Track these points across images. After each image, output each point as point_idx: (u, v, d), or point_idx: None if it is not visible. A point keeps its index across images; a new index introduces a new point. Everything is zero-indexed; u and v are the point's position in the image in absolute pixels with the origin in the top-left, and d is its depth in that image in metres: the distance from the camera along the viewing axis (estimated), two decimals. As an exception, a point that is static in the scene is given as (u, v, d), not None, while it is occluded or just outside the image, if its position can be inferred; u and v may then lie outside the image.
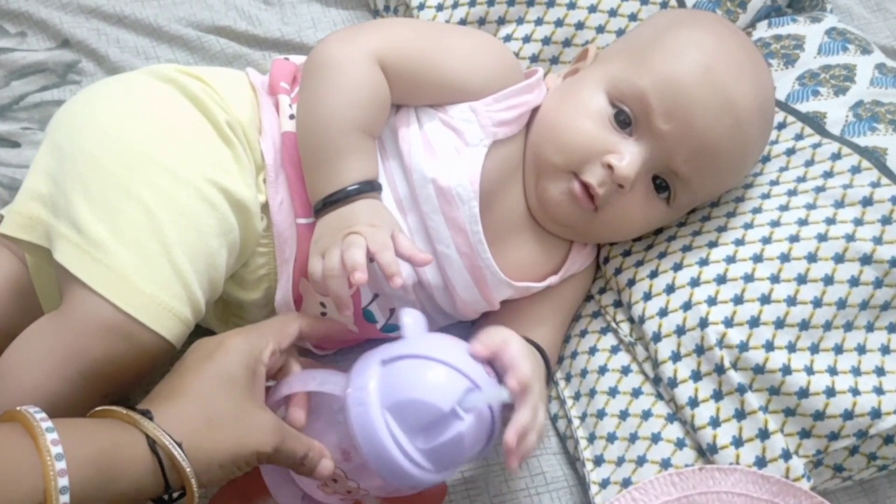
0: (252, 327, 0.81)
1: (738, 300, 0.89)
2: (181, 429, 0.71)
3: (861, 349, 0.89)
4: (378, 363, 0.79)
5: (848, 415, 0.85)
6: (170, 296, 0.79)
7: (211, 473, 0.72)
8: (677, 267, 0.93)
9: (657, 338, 0.91)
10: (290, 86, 0.95)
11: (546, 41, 1.12)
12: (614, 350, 0.96)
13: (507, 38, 1.12)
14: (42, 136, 1.10)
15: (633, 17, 1.11)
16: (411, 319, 0.83)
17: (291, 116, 0.91)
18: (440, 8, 1.14)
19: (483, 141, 0.90)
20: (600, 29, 1.11)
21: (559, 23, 1.11)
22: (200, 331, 0.95)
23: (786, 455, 0.85)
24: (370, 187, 0.86)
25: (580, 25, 1.11)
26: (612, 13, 1.11)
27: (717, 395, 0.88)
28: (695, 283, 0.91)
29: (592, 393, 0.95)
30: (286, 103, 0.92)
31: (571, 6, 1.11)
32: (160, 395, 0.75)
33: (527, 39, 1.12)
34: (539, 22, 1.12)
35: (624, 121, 0.89)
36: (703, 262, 0.92)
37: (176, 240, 0.80)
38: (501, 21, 1.13)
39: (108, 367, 0.77)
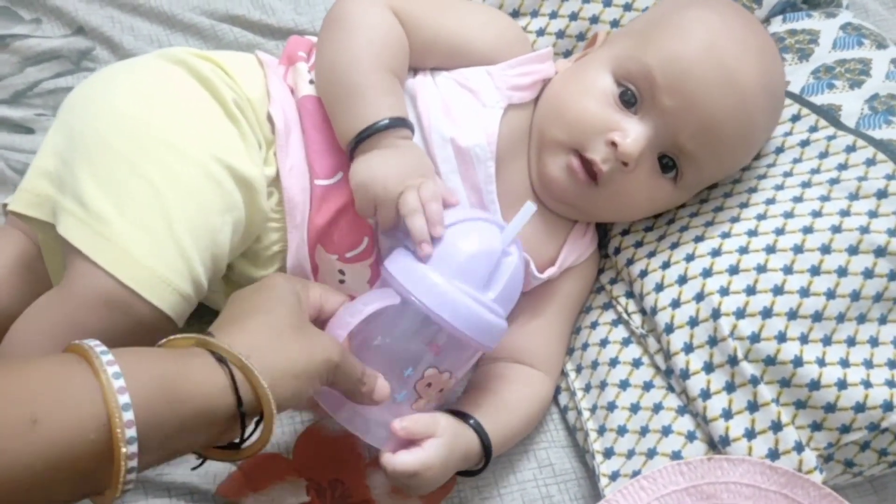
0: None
1: (751, 291, 0.88)
2: (246, 344, 0.70)
3: (874, 342, 0.88)
4: (412, 257, 0.83)
5: (860, 407, 0.84)
6: (170, 271, 0.79)
7: (286, 386, 0.71)
8: (690, 257, 0.93)
9: (669, 329, 0.91)
10: (308, 56, 0.96)
11: (560, 34, 1.11)
12: (625, 342, 0.96)
13: (522, 31, 1.12)
14: (56, 122, 1.11)
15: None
16: None
17: (311, 81, 0.92)
18: (455, -1, 1.14)
19: (499, 103, 0.92)
20: (615, 23, 1.10)
21: (574, 16, 1.11)
22: (211, 314, 0.95)
23: (798, 447, 0.85)
24: (402, 123, 0.86)
25: (595, 20, 1.10)
26: (627, 7, 1.10)
27: (730, 387, 0.87)
28: (707, 273, 0.91)
29: (603, 385, 0.95)
30: (304, 69, 0.94)
31: (586, 0, 1.11)
32: (216, 327, 0.74)
33: (541, 33, 1.11)
34: (553, 15, 1.12)
35: (629, 100, 0.90)
36: (716, 253, 0.92)
37: (179, 215, 0.80)
38: (516, 13, 1.13)
39: (107, 340, 0.76)
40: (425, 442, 0.83)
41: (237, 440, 0.72)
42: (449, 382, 0.86)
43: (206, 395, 0.67)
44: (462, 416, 0.88)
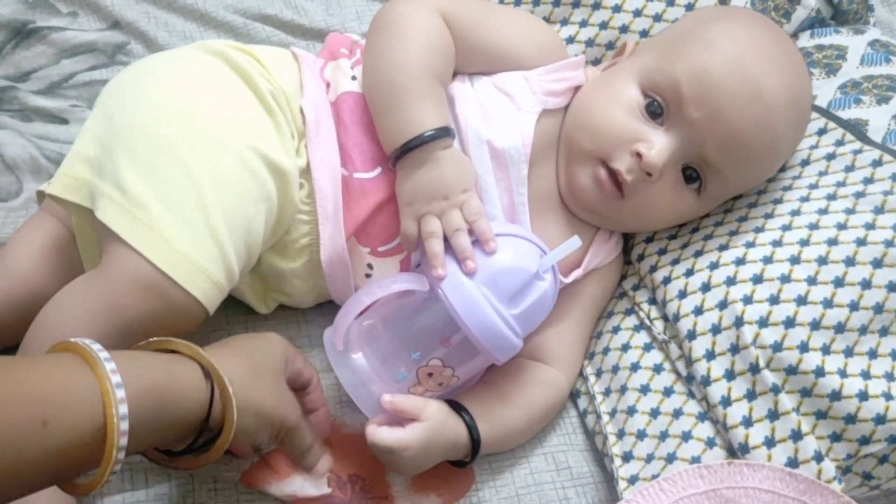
0: None
1: (775, 300, 0.89)
2: (229, 372, 0.73)
3: (895, 355, 0.88)
4: (451, 256, 0.86)
5: (880, 419, 0.85)
6: (205, 258, 0.80)
7: (247, 419, 0.74)
8: (713, 265, 0.94)
9: (692, 336, 0.91)
10: (350, 53, 0.98)
11: (590, 43, 1.12)
12: (647, 348, 0.97)
13: (551, 39, 1.13)
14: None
15: (677, 23, 1.11)
16: None
17: (353, 78, 0.94)
18: (487, 5, 1.15)
19: (534, 107, 0.94)
20: (644, 33, 1.11)
21: (604, 25, 1.12)
22: (237, 305, 0.96)
23: (818, 457, 0.85)
24: (445, 133, 0.88)
25: (624, 29, 1.12)
26: (657, 18, 1.11)
27: (751, 395, 0.88)
28: (731, 281, 0.92)
29: (623, 389, 0.96)
30: (347, 66, 0.95)
31: (616, 9, 1.12)
32: (209, 349, 0.76)
33: (570, 41, 1.13)
34: (584, 24, 1.13)
35: (655, 111, 0.91)
36: (740, 262, 0.93)
37: (214, 203, 0.81)
38: (546, 21, 1.14)
39: (142, 325, 0.78)
40: (409, 424, 0.85)
41: (182, 448, 0.74)
42: (450, 379, 0.87)
43: (188, 405, 0.70)
44: (459, 407, 0.89)
